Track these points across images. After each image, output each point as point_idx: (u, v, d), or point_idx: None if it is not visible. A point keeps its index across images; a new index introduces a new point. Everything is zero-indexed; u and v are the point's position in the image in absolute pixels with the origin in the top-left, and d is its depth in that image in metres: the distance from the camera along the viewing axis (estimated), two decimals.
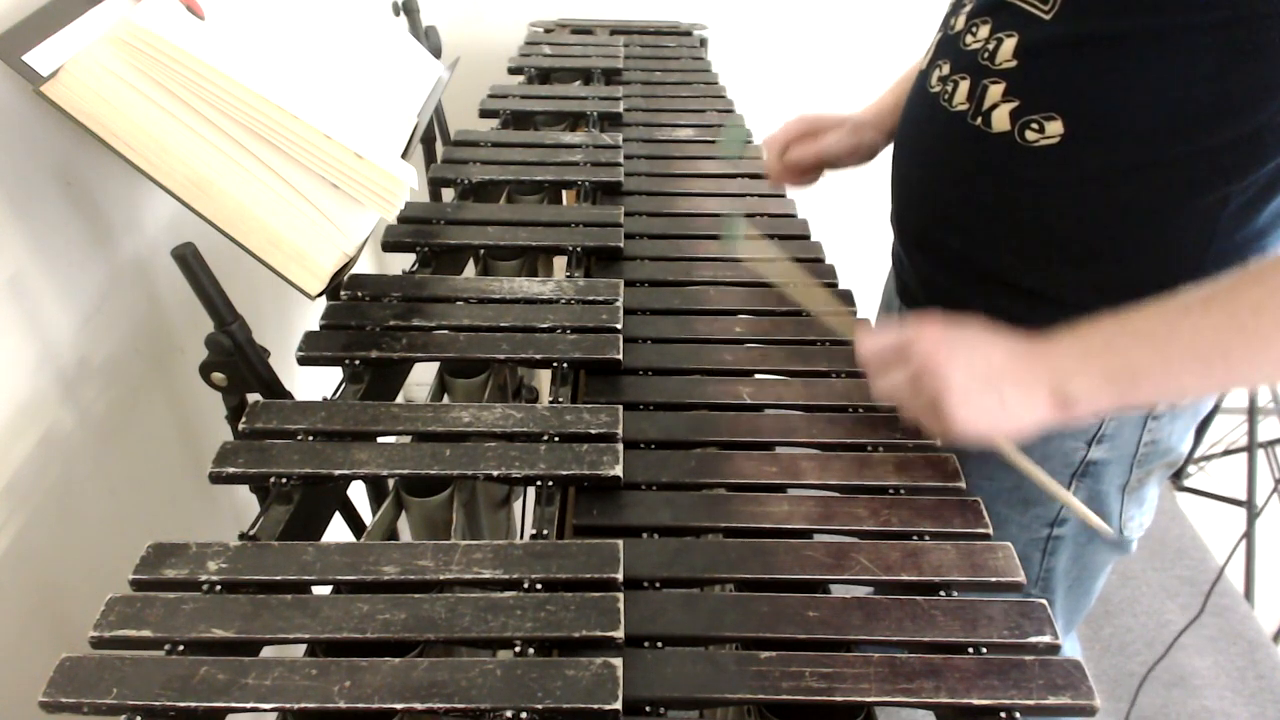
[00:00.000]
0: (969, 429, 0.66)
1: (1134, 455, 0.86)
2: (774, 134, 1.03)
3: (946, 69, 0.81)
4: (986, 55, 0.76)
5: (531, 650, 0.56)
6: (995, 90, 0.76)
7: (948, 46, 0.82)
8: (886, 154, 0.95)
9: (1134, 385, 0.64)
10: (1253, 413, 1.90)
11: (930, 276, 0.90)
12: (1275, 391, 1.92)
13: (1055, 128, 0.73)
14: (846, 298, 0.93)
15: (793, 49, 1.88)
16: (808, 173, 1.03)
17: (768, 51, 1.88)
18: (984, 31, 0.77)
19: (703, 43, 1.70)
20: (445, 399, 0.96)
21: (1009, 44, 0.75)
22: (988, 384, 0.65)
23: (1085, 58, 0.71)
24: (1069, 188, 0.75)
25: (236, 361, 0.77)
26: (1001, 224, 0.80)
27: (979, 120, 0.77)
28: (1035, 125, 0.74)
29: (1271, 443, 2.01)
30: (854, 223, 1.72)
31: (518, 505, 1.05)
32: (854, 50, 1.85)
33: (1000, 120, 0.76)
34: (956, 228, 0.84)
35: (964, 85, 0.79)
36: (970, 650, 0.58)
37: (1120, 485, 0.88)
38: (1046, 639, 0.59)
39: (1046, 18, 0.72)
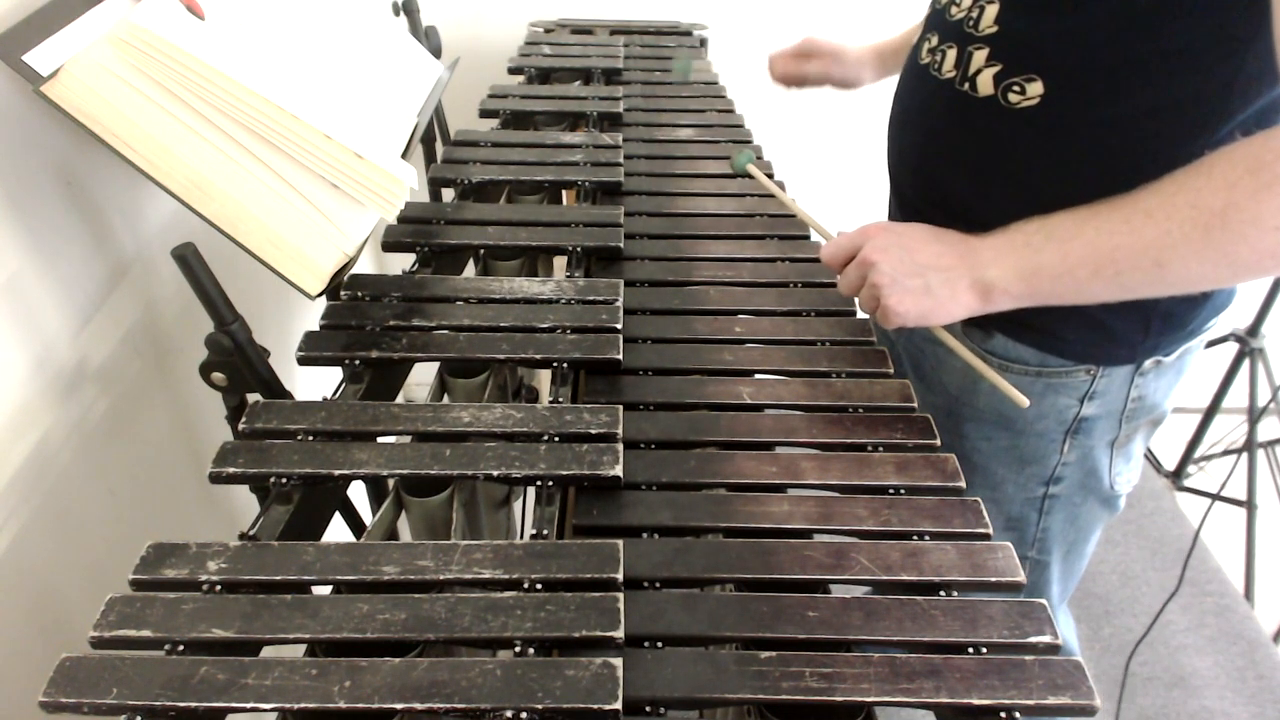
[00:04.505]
0: (902, 314, 0.74)
1: (1123, 411, 0.90)
2: (781, 49, 1.23)
3: (935, 40, 0.85)
4: (971, 23, 0.80)
5: (531, 650, 0.56)
6: (979, 56, 0.80)
7: (936, 19, 0.87)
8: (881, 129, 0.97)
9: (1040, 281, 0.71)
10: (1253, 412, 1.91)
11: None
12: (1275, 391, 1.92)
13: (1036, 88, 0.77)
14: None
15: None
16: (793, 83, 1.23)
17: (768, 52, 1.88)
18: (967, 1, 0.81)
19: (703, 43, 1.70)
20: (445, 399, 0.96)
21: (990, 11, 0.79)
22: (916, 274, 0.74)
23: (1060, 18, 0.75)
24: (1052, 146, 0.79)
25: (236, 361, 0.77)
26: (993, 186, 0.83)
27: (966, 86, 0.81)
28: (1017, 87, 0.78)
29: (1271, 443, 2.01)
30: (851, 219, 1.71)
31: (518, 505, 1.05)
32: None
33: (985, 84, 0.79)
34: (951, 192, 0.87)
35: (951, 54, 0.82)
36: (970, 650, 0.58)
37: (1109, 441, 0.92)
38: (1046, 639, 0.59)
39: None
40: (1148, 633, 1.68)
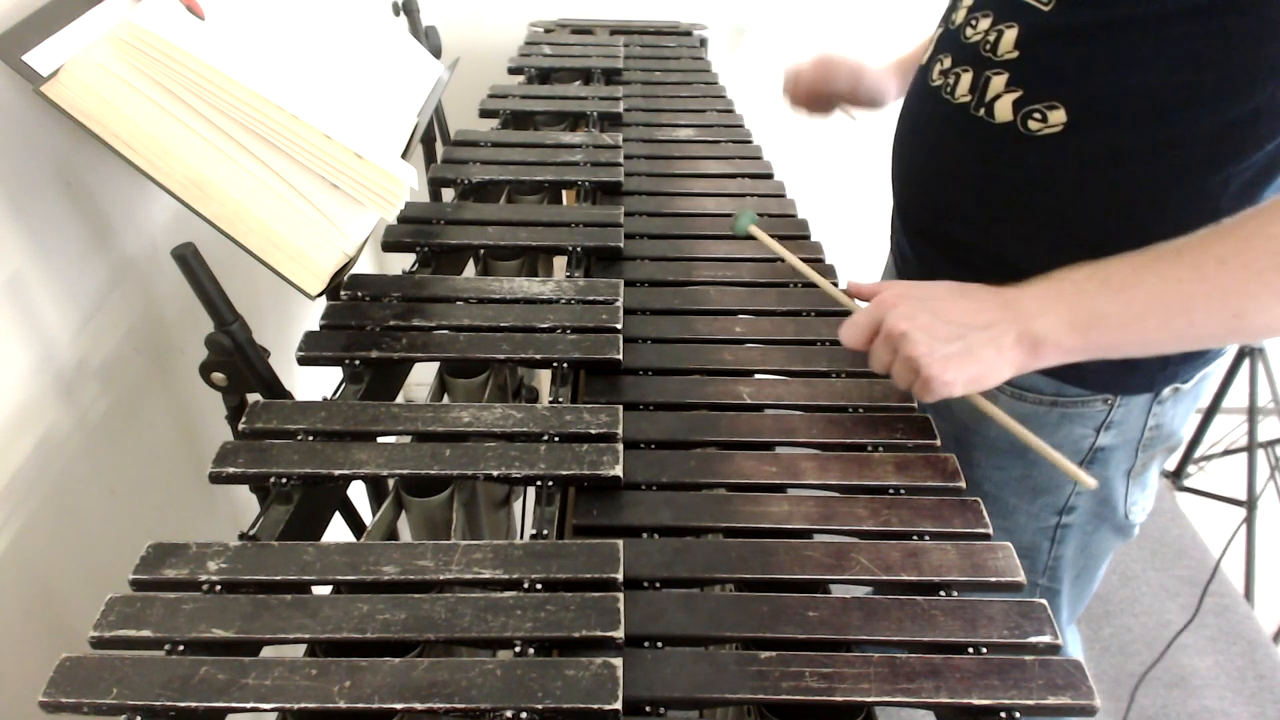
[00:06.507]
0: (949, 383, 0.67)
1: (1139, 440, 0.87)
2: (795, 66, 1.11)
3: (948, 62, 0.82)
4: (988, 47, 0.77)
5: (531, 650, 0.56)
6: (998, 81, 0.77)
7: (948, 40, 0.84)
8: (886, 148, 0.96)
9: (1098, 332, 0.65)
10: (1253, 413, 1.91)
11: (935, 267, 0.90)
12: (1275, 391, 1.92)
13: (1058, 116, 0.74)
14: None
15: (792, 49, 1.88)
16: (817, 106, 1.11)
17: (768, 52, 1.88)
18: (984, 24, 0.78)
19: (703, 43, 1.70)
20: (445, 399, 0.96)
21: (1010, 35, 0.76)
22: (954, 336, 0.67)
23: (1084, 46, 0.72)
24: (1072, 175, 0.76)
25: (236, 361, 0.77)
26: (1006, 212, 0.81)
27: (982, 111, 0.78)
28: (1038, 115, 0.75)
29: (1271, 443, 2.01)
30: (851, 219, 1.72)
31: (518, 505, 1.04)
32: (854, 50, 1.85)
33: (1003, 111, 0.77)
34: (961, 218, 0.85)
35: (966, 77, 0.79)
36: (970, 650, 0.58)
37: (1125, 470, 0.89)
38: (1046, 639, 0.59)
39: (1046, 9, 0.73)
40: (1160, 658, 1.68)
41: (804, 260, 0.86)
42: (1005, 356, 0.66)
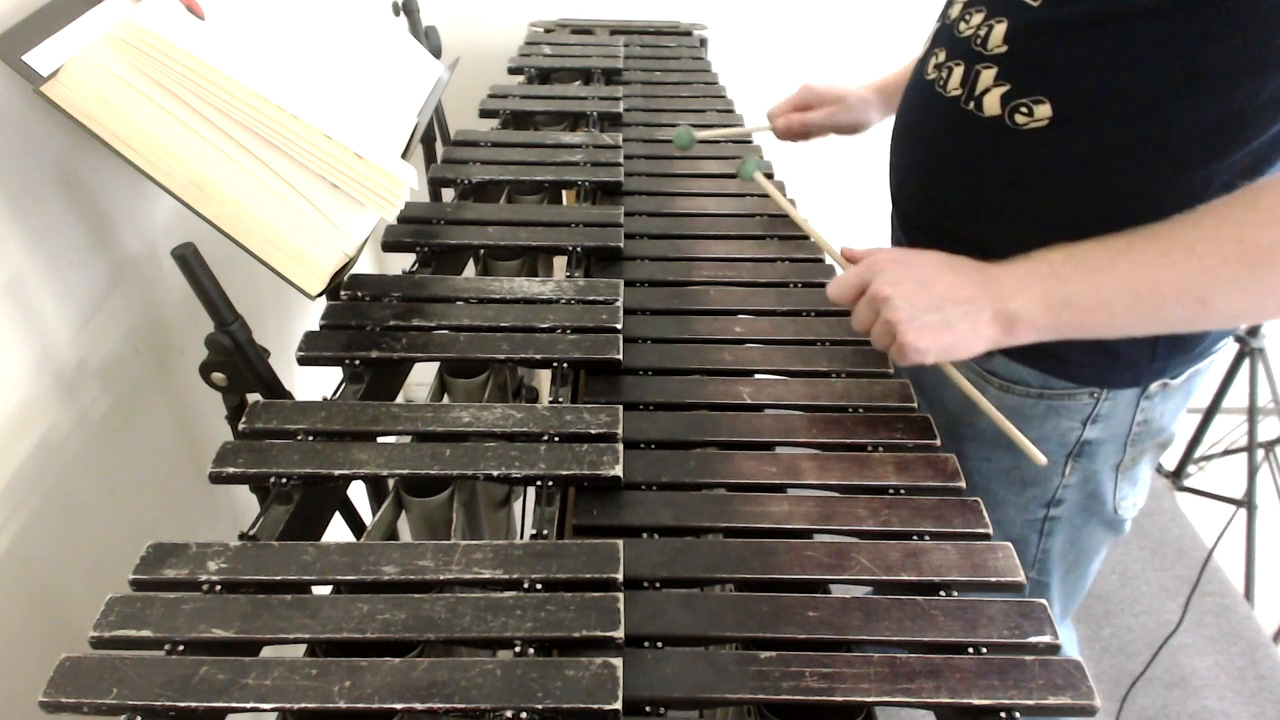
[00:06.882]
0: (921, 350, 0.70)
1: (1127, 434, 0.88)
2: (779, 103, 1.16)
3: (942, 56, 0.84)
4: (979, 41, 0.78)
5: (531, 650, 0.56)
6: (987, 75, 0.78)
7: (944, 34, 0.85)
8: (886, 144, 0.96)
9: (1070, 313, 0.68)
10: (1253, 413, 1.90)
11: None
12: (1275, 391, 1.92)
13: (1044, 111, 0.75)
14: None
15: (793, 49, 1.88)
16: (798, 137, 1.16)
17: (768, 51, 1.88)
18: (977, 19, 0.79)
19: (703, 43, 1.70)
20: (445, 399, 0.96)
21: (999, 29, 0.77)
22: (933, 307, 0.70)
23: (1071, 42, 0.73)
24: (1058, 169, 0.77)
25: (236, 361, 0.77)
26: (995, 206, 0.82)
27: (971, 105, 0.79)
28: (1024, 109, 0.76)
29: (1271, 443, 2.01)
30: (850, 219, 1.71)
31: (518, 505, 1.05)
32: (854, 50, 1.85)
33: (991, 104, 0.78)
34: (952, 211, 0.85)
35: (958, 71, 0.81)
36: (970, 650, 0.58)
37: (1114, 464, 0.90)
38: (1046, 639, 0.59)
39: (1035, 4, 0.74)
40: (1154, 660, 1.68)
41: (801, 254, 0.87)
42: (980, 332, 0.70)
